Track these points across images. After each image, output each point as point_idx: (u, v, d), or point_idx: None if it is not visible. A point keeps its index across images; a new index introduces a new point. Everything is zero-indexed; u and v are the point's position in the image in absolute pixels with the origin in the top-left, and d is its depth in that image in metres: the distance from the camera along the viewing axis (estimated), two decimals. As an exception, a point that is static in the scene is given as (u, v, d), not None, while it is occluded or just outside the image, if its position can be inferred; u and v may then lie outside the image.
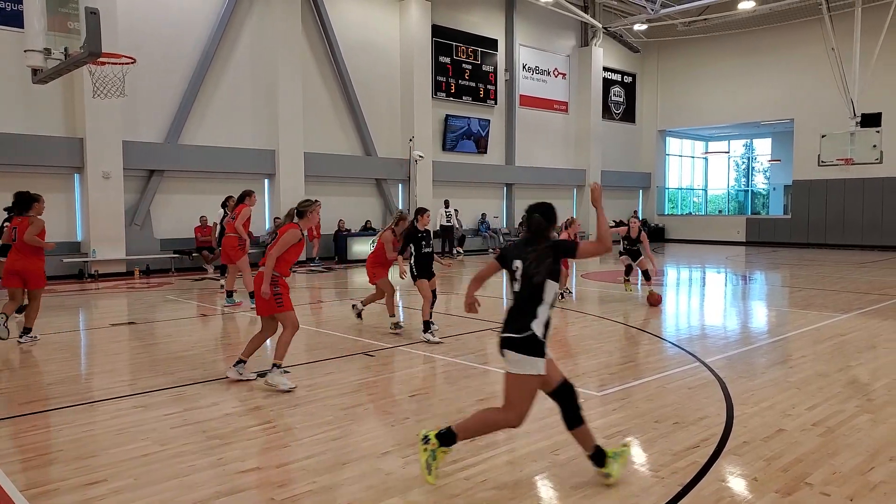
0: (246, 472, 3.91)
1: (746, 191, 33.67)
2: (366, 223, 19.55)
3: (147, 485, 3.73)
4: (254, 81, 17.28)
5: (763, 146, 32.26)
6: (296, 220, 5.91)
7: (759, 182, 33.78)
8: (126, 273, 14.82)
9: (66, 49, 6.38)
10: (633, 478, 3.85)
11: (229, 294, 10.66)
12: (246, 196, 10.12)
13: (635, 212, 29.51)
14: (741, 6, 22.11)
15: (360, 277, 15.29)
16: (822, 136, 20.18)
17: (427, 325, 7.77)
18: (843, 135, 19.64)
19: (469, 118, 22.20)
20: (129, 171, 15.00)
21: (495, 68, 22.95)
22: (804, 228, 24.47)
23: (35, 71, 6.73)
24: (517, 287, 3.65)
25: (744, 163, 33.83)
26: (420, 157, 19.84)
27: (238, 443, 4.40)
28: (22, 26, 13.09)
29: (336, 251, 18.51)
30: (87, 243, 14.49)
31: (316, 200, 6.19)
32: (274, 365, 5.70)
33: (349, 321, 9.20)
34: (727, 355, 6.96)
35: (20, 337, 7.64)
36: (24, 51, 6.74)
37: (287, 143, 17.44)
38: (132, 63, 8.05)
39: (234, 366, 6.00)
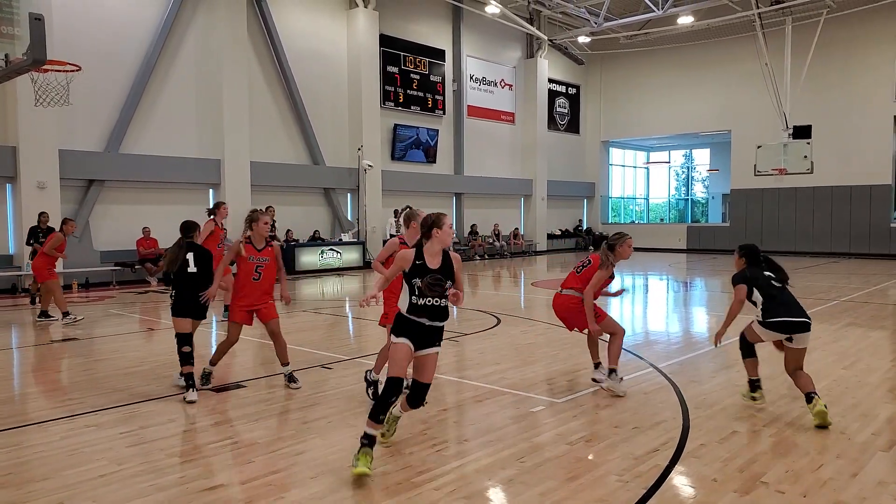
0: (211, 490, 3.82)
1: (687, 199, 34.88)
2: (314, 233, 19.33)
3: (107, 507, 3.60)
4: (198, 89, 16.90)
5: (702, 156, 33.50)
6: (246, 230, 5.95)
7: (699, 191, 35.05)
8: (64, 287, 14.16)
9: (6, 56, 6.09)
10: (599, 482, 3.94)
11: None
12: (216, 208, 9.71)
13: (577, 227, 30.21)
14: (680, 21, 22.98)
15: (308, 288, 15.11)
16: (758, 147, 21.13)
17: None
18: (777, 146, 20.63)
19: (418, 128, 22.27)
20: (66, 180, 14.40)
21: (443, 78, 23.13)
22: (742, 235, 25.46)
23: (-29, 78, 6.40)
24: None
25: (684, 172, 35.05)
26: (369, 166, 19.78)
27: (200, 460, 4.30)
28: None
29: (284, 262, 18.17)
30: (21, 256, 13.82)
31: (268, 207, 6.26)
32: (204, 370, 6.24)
33: (301, 333, 9.07)
34: (678, 360, 7.20)
35: None
36: (-39, 57, 6.40)
37: (233, 152, 17.10)
38: (77, 70, 7.77)
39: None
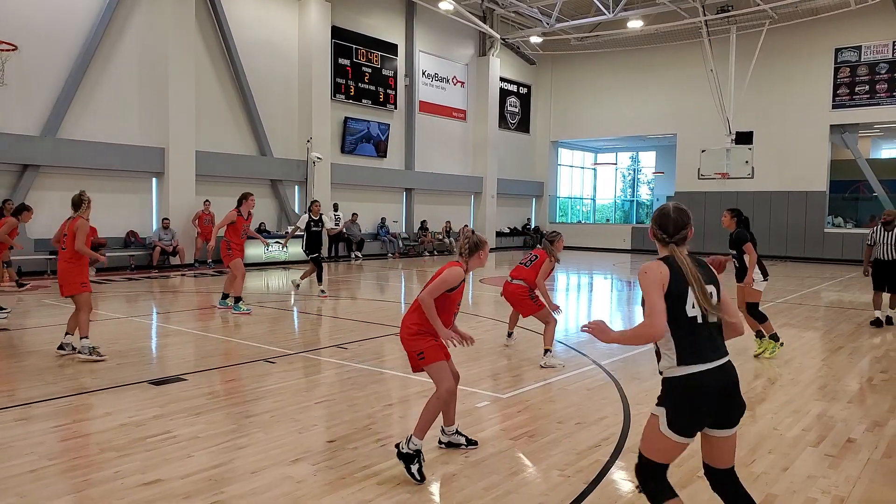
0: (147, 485, 3.73)
1: (632, 201, 35.76)
2: (260, 225, 18.97)
3: (36, 501, 3.48)
4: (142, 75, 16.34)
5: (648, 159, 34.41)
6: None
7: (644, 193, 35.99)
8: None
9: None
10: (542, 477, 4.03)
11: (236, 300, 9.99)
12: (244, 199, 10.17)
13: (525, 226, 30.57)
14: (630, 25, 23.50)
15: (253, 281, 14.85)
16: (702, 151, 21.83)
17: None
18: (720, 150, 21.36)
19: (369, 122, 22.12)
20: (-2, 164, 13.74)
21: (395, 73, 23.03)
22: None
23: None
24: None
25: (630, 174, 35.93)
26: (318, 158, 19.55)
27: (136, 454, 4.19)
28: None
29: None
30: (-53, 242, 13.10)
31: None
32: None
33: (244, 327, 8.92)
34: (619, 358, 7.40)
35: None
36: None
37: (177, 140, 16.61)
38: (13, 50, 7.41)
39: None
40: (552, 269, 7.19)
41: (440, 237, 24.52)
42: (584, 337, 8.81)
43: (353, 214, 21.28)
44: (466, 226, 25.82)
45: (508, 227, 29.06)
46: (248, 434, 4.64)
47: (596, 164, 34.53)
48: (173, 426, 4.75)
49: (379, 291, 14.44)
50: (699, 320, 2.78)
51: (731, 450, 2.90)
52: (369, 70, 22.07)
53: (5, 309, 9.29)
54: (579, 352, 7.65)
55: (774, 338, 7.61)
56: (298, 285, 12.80)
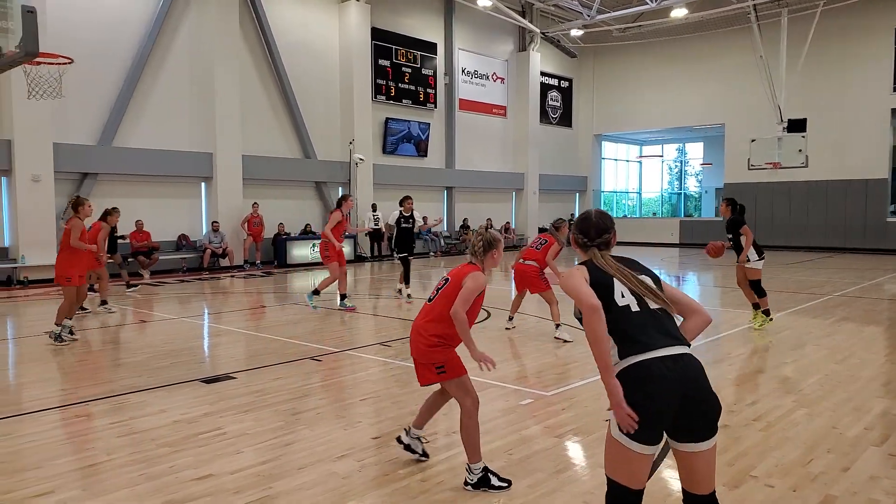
0: (200, 480, 3.85)
1: (679, 194, 35.01)
2: (305, 227, 19.32)
3: (97, 495, 3.64)
4: (191, 83, 16.83)
5: (695, 150, 33.62)
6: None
7: (692, 185, 35.19)
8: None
9: (-1, 48, 6.10)
10: (588, 475, 3.99)
11: (341, 296, 10.53)
12: (343, 200, 10.37)
13: (569, 221, 30.22)
14: (674, 14, 22.99)
15: (299, 281, 15.12)
16: (752, 141, 21.18)
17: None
18: (771, 139, 20.67)
19: (409, 121, 22.25)
20: (60, 173, 14.34)
21: (435, 72, 23.09)
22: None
23: (-36, 70, 6.38)
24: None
25: (677, 166, 35.17)
26: (360, 160, 19.77)
27: (189, 450, 4.32)
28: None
29: (276, 255, 18.22)
30: (16, 249, 13.78)
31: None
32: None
33: (292, 326, 9.10)
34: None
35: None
36: (-47, 49, 6.37)
37: (225, 145, 17.06)
38: (69, 63, 7.75)
39: None
40: (559, 251, 8.14)
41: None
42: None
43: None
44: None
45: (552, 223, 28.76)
46: (294, 431, 4.74)
47: (641, 156, 33.92)
48: (223, 423, 4.88)
49: (421, 290, 14.51)
50: (634, 308, 2.56)
51: (708, 470, 2.49)
52: (409, 70, 22.19)
53: (108, 303, 10.48)
54: (625, 348, 7.53)
55: (766, 313, 8.66)
56: (400, 290, 11.76)
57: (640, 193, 34.30)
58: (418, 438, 4.13)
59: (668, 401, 2.41)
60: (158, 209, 16.29)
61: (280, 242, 18.14)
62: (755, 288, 8.61)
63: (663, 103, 27.47)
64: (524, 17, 24.67)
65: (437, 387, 4.04)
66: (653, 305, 2.58)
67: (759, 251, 8.67)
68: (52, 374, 6.76)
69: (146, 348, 7.74)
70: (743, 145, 22.45)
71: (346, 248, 19.22)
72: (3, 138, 13.68)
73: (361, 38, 20.15)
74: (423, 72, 22.68)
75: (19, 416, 5.09)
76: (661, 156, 34.14)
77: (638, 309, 2.58)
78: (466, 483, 3.74)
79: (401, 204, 11.55)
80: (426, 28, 22.91)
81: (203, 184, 17.31)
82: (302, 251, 18.33)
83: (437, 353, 3.76)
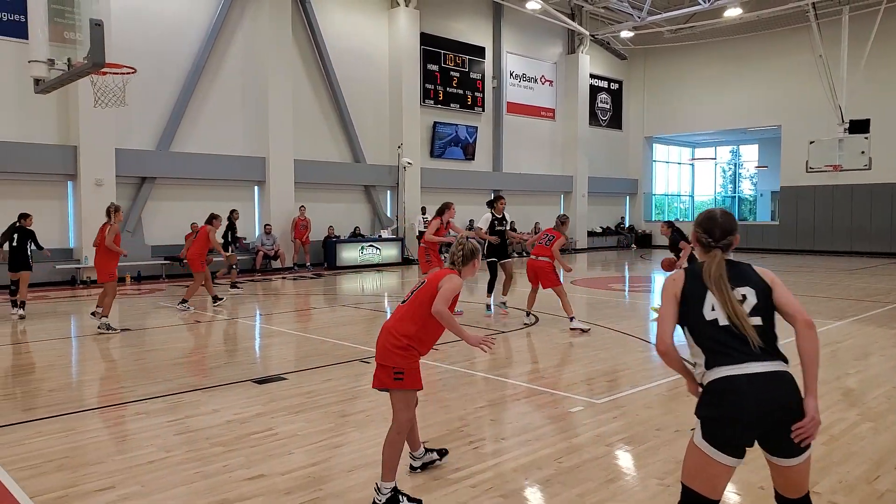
0: (252, 480, 3.92)
1: (733, 197, 34.05)
2: (355, 229, 19.56)
3: (155, 491, 3.74)
4: (244, 89, 17.27)
5: (750, 152, 32.66)
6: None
7: (746, 188, 34.19)
8: (118, 279, 14.66)
9: (69, 60, 6.37)
10: (640, 486, 3.90)
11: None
12: (446, 208, 10.07)
13: (619, 225, 29.78)
14: (728, 14, 22.41)
15: (348, 284, 15.30)
16: (811, 143, 20.44)
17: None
18: (832, 141, 19.90)
19: (457, 125, 22.29)
20: (121, 178, 14.93)
21: (483, 76, 23.08)
22: (792, 235, 24.78)
23: (37, 81, 6.70)
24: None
25: (730, 169, 34.23)
26: (409, 164, 19.90)
27: (242, 450, 4.41)
28: (19, 36, 13.32)
29: (325, 257, 18.49)
30: (80, 250, 14.39)
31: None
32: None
33: (341, 328, 9.20)
34: (721, 361, 7.04)
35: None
36: (29, 61, 6.69)
37: (277, 150, 17.43)
38: (133, 73, 8.07)
39: None
40: (564, 243, 9.05)
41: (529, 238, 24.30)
42: (681, 340, 8.45)
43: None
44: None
45: (601, 227, 28.42)
46: (344, 433, 4.78)
47: (693, 159, 33.14)
48: (275, 423, 4.97)
49: (468, 293, 14.50)
50: (723, 322, 2.54)
51: (801, 479, 2.53)
52: (457, 74, 22.25)
53: (220, 299, 11.29)
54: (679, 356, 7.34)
55: None
56: (504, 303, 10.46)
57: (692, 197, 33.52)
58: (426, 451, 4.05)
59: (746, 417, 2.42)
60: (214, 211, 16.70)
61: (330, 245, 18.41)
62: None
63: (716, 105, 26.79)
64: (573, 19, 24.44)
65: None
66: (742, 323, 2.52)
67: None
68: (112, 371, 7.01)
69: (201, 348, 7.96)
70: (801, 147, 21.70)
71: (394, 251, 19.52)
72: (70, 145, 14.32)
73: (410, 43, 20.30)
74: (472, 76, 22.70)
75: (82, 413, 5.29)
76: (714, 158, 33.28)
77: (727, 323, 2.55)
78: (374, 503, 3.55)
79: (491, 206, 10.42)
80: (474, 32, 22.93)
81: (256, 187, 17.72)
82: (351, 253, 18.57)
83: (400, 356, 3.59)
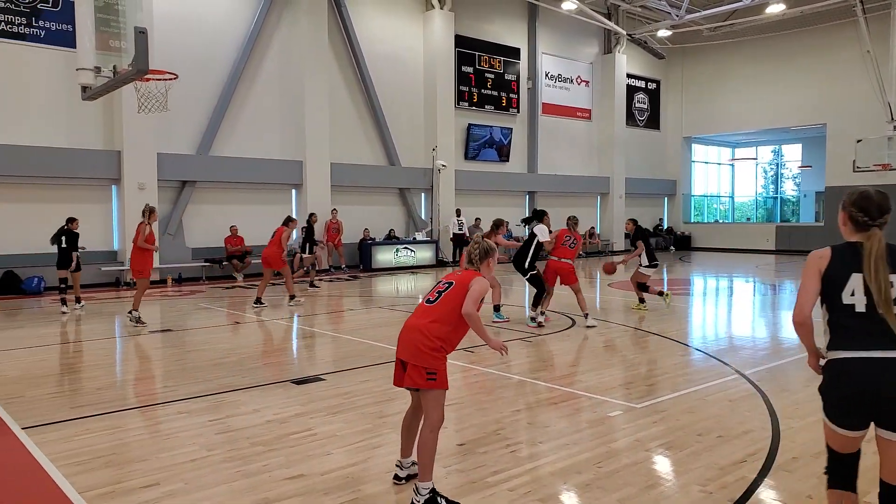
0: (291, 479, 3.96)
1: (775, 198, 33.24)
2: (389, 232, 19.66)
3: (198, 489, 3.81)
4: (282, 94, 17.52)
5: (793, 152, 31.85)
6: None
7: (789, 189, 33.33)
8: (159, 281, 15.06)
9: (114, 67, 6.57)
10: (680, 492, 3.82)
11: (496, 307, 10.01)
12: (543, 215, 9.96)
13: (657, 227, 29.36)
14: (770, 10, 21.90)
15: (384, 286, 15.39)
16: (858, 141, 19.85)
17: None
18: (880, 139, 19.29)
19: (491, 127, 22.25)
20: (162, 182, 15.30)
21: (518, 77, 23.00)
22: (838, 236, 23.77)
23: (84, 88, 6.92)
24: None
25: (772, 169, 33.42)
26: (443, 166, 19.93)
27: (282, 449, 4.46)
28: (64, 45, 13.77)
29: (361, 260, 18.64)
30: (124, 252, 14.75)
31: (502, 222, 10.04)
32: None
33: (377, 329, 9.25)
34: (766, 367, 6.88)
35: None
36: (77, 69, 6.92)
37: (314, 153, 17.64)
38: (174, 79, 8.27)
39: None
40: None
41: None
42: (723, 344, 8.29)
43: (476, 219, 21.45)
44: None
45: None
46: (381, 434, 4.80)
47: (734, 159, 32.46)
48: (313, 424, 5.01)
49: (503, 295, 14.45)
50: (859, 308, 2.62)
51: None
52: (492, 76, 22.22)
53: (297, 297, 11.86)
54: (720, 360, 7.20)
55: (642, 300, 10.98)
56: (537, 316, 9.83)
57: (732, 198, 32.83)
58: (413, 464, 3.93)
59: (860, 399, 2.58)
60: (252, 215, 17.03)
61: (365, 247, 18.55)
62: (641, 287, 10.91)
63: (757, 103, 26.20)
64: (609, 19, 24.19)
65: (408, 403, 3.99)
66: (879, 310, 2.58)
67: (653, 260, 10.74)
68: (155, 371, 7.18)
69: (240, 349, 8.09)
70: (847, 146, 21.10)
71: (428, 254, 19.57)
72: (114, 150, 14.74)
73: (445, 45, 20.35)
74: (507, 77, 22.64)
75: (127, 411, 5.42)
76: (756, 158, 32.53)
77: (863, 310, 2.62)
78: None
79: (541, 219, 9.88)
80: (509, 33, 22.87)
81: (293, 190, 17.96)
82: (386, 256, 18.68)
83: (433, 357, 3.60)
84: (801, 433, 4.76)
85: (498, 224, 10.11)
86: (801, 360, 7.24)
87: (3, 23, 13.48)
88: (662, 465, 4.26)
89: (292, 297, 11.73)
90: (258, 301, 11.41)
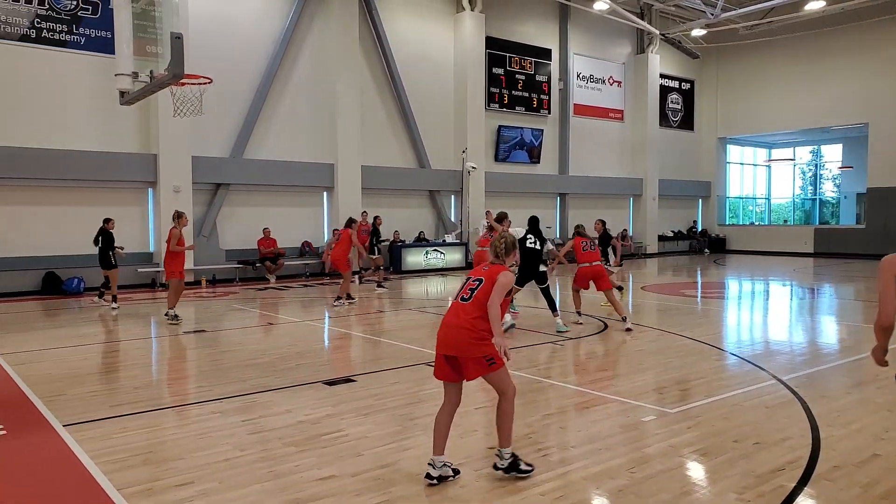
0: (323, 480, 3.99)
1: (814, 199, 32.44)
2: (419, 234, 19.71)
3: (232, 488, 3.86)
4: (313, 97, 17.70)
5: (832, 152, 31.04)
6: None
7: (828, 190, 32.50)
8: (194, 282, 15.33)
9: (151, 72, 6.73)
10: (716, 499, 3.74)
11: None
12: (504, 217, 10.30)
13: (691, 229, 28.88)
14: (809, 7, 21.40)
15: (413, 288, 15.42)
16: (900, 141, 19.26)
17: None
18: (925, 139, 18.69)
19: (522, 128, 22.15)
20: (197, 184, 15.58)
21: (549, 78, 22.86)
22: (881, 239, 23.31)
23: (122, 93, 7.10)
24: None
25: (811, 170, 32.63)
26: (473, 168, 19.91)
27: (313, 450, 4.49)
28: (103, 51, 14.12)
29: (391, 262, 18.71)
30: (159, 254, 15.03)
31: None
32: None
33: (407, 330, 9.27)
34: (805, 373, 6.70)
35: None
36: (115, 75, 7.11)
37: (345, 156, 17.77)
38: (209, 83, 8.42)
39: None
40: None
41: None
42: (759, 349, 8.11)
43: (507, 222, 21.36)
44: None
45: (672, 231, 27.62)
46: (412, 436, 4.80)
47: (770, 160, 31.77)
48: (344, 425, 5.04)
49: (532, 299, 14.36)
50: None
51: None
52: (523, 77, 22.13)
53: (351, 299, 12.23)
54: (756, 365, 7.05)
55: (620, 288, 11.25)
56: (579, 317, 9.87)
57: (768, 199, 32.14)
58: (444, 465, 3.99)
59: None
60: (284, 217, 17.25)
61: (395, 249, 18.62)
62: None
63: (795, 103, 25.61)
64: (642, 18, 23.89)
65: (439, 403, 4.22)
66: None
67: (620, 258, 11.79)
68: (189, 371, 7.30)
69: (273, 350, 8.18)
70: (890, 146, 20.52)
71: (458, 256, 19.57)
72: (150, 153, 15.06)
73: (476, 47, 20.34)
74: (538, 78, 22.53)
75: (162, 410, 5.52)
76: (793, 159, 31.79)
77: None
78: (497, 468, 4.00)
79: (500, 221, 10.11)
80: (540, 35, 22.75)
81: (325, 193, 18.12)
82: (416, 258, 18.72)
83: (486, 345, 3.93)
84: (842, 441, 4.62)
85: (502, 217, 10.32)
86: (842, 366, 7.07)
87: (45, 30, 13.89)
88: (697, 471, 4.17)
89: (339, 298, 11.98)
90: (348, 297, 12.05)
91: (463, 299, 4.04)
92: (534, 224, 9.64)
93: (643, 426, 5.04)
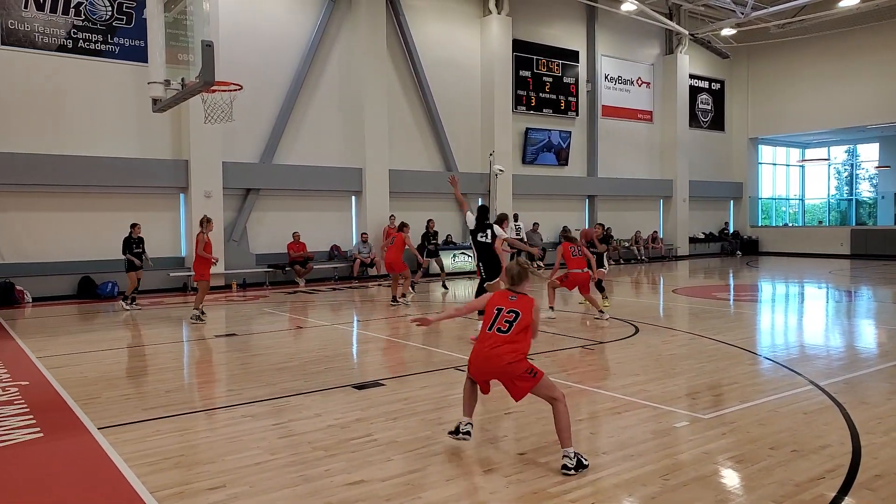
0: (353, 485, 3.99)
1: (850, 200, 31.67)
2: (447, 237, 19.70)
3: (262, 493, 3.88)
4: (342, 101, 17.85)
5: (869, 152, 30.28)
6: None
7: (865, 190, 31.70)
8: (224, 286, 15.54)
9: (182, 80, 6.85)
10: (752, 507, 3.66)
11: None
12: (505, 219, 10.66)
13: (723, 231, 28.42)
14: (842, 4, 20.93)
15: (441, 291, 15.41)
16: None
17: None
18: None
19: (549, 130, 22.03)
20: (227, 190, 15.81)
21: (577, 80, 22.71)
22: (918, 240, 22.69)
23: (155, 101, 7.24)
24: None
25: (846, 170, 31.87)
26: (500, 171, 19.83)
27: (343, 455, 4.50)
28: (136, 60, 14.42)
29: (419, 266, 18.69)
30: (190, 258, 15.30)
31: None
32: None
33: (435, 335, 9.26)
34: (844, 378, 6.52)
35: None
36: (148, 83, 7.26)
37: (373, 161, 17.87)
38: (239, 89, 8.54)
39: None
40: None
41: (627, 245, 23.65)
42: (795, 353, 7.93)
43: (535, 224, 21.28)
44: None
45: (703, 233, 27.21)
46: (441, 441, 4.78)
47: (804, 160, 31.11)
48: (374, 430, 5.04)
49: (562, 303, 14.26)
50: None
51: None
52: (550, 79, 22.02)
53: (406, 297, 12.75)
54: (792, 370, 6.88)
55: (602, 290, 11.50)
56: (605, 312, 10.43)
57: (802, 200, 31.47)
58: (469, 424, 4.53)
59: None
60: (313, 221, 17.40)
61: (423, 253, 18.60)
62: (599, 287, 11.42)
63: (829, 102, 25.04)
64: (671, 19, 23.62)
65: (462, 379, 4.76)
66: None
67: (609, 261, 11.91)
68: (220, 375, 7.39)
69: (302, 353, 8.24)
70: (930, 144, 19.86)
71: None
72: (181, 159, 15.32)
73: (503, 50, 20.30)
74: (565, 80, 22.40)
75: (194, 413, 5.59)
76: (828, 159, 31.09)
77: None
78: (566, 468, 4.09)
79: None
80: (568, 36, 22.63)
81: (353, 197, 18.24)
82: (444, 261, 18.67)
83: (525, 363, 4.30)
84: (884, 449, 4.48)
85: (502, 218, 10.28)
86: (882, 371, 6.87)
87: (81, 41, 14.23)
88: (733, 479, 4.08)
89: (403, 296, 12.68)
90: (402, 296, 12.60)
91: (500, 331, 4.31)
92: (482, 215, 9.56)
93: (676, 432, 4.95)
